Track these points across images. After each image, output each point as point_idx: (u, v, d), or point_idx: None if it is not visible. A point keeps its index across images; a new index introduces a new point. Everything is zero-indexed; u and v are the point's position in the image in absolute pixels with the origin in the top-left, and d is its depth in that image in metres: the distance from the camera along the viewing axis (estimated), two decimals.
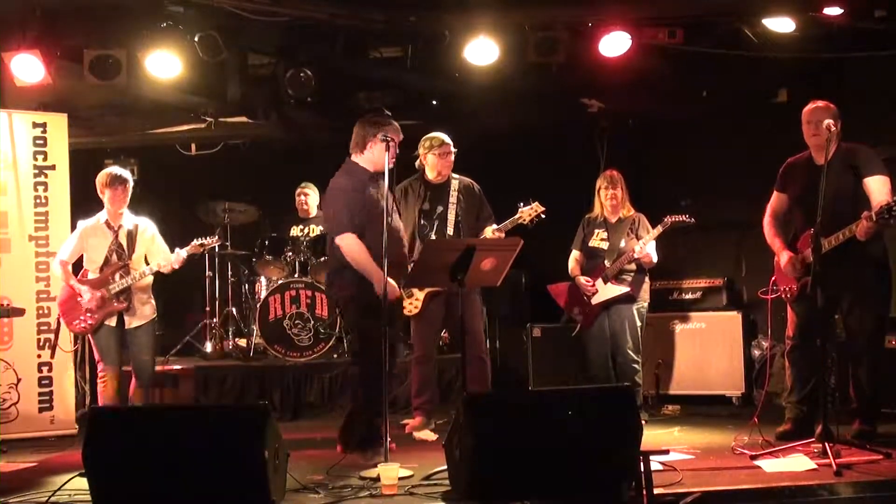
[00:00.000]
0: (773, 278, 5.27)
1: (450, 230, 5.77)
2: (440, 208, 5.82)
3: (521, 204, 5.76)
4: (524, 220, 5.73)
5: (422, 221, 5.83)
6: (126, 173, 5.79)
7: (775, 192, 5.38)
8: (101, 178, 5.73)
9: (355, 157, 5.06)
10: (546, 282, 6.60)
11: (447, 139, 5.81)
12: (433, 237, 5.74)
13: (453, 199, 5.80)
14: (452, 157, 5.80)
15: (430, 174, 5.84)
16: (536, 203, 5.74)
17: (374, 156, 4.96)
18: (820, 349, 4.81)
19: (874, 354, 5.11)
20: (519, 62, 6.55)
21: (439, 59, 6.76)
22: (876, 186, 4.89)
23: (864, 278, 4.94)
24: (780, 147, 6.26)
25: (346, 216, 4.90)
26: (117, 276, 5.66)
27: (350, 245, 4.87)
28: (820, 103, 5.11)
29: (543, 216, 5.73)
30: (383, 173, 4.81)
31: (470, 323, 5.52)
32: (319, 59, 6.87)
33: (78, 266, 5.85)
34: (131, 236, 5.75)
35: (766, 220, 5.37)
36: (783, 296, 5.23)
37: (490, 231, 5.72)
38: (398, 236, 5.08)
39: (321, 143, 8.04)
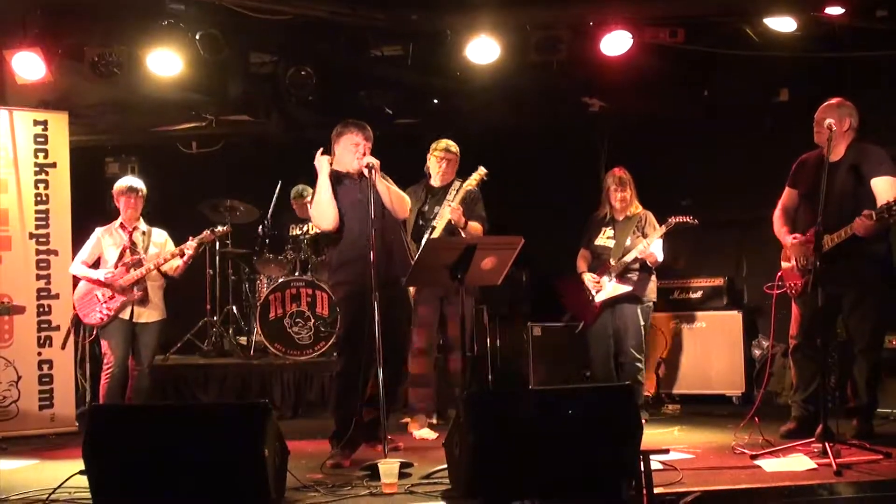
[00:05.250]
0: (780, 273, 5.24)
1: (439, 229, 5.84)
2: (437, 209, 5.89)
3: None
4: (471, 186, 5.82)
5: (420, 222, 5.92)
6: (139, 183, 5.96)
7: (787, 188, 5.34)
8: (116, 186, 5.93)
9: None
10: (547, 281, 6.60)
11: (450, 146, 5.95)
12: (426, 237, 5.79)
13: (449, 197, 5.86)
14: (448, 164, 5.91)
15: (433, 177, 5.96)
16: (481, 167, 5.84)
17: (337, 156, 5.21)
18: (821, 349, 4.81)
19: (872, 357, 5.10)
20: (520, 61, 6.54)
21: (440, 58, 6.75)
22: (882, 187, 4.86)
23: (866, 278, 4.93)
24: (780, 146, 6.26)
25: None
26: (131, 270, 5.78)
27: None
28: (833, 101, 5.08)
29: (486, 178, 5.82)
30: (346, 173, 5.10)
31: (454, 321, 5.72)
32: (320, 57, 6.87)
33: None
34: (145, 236, 5.94)
35: (776, 214, 5.33)
36: (788, 291, 5.20)
37: (446, 208, 5.79)
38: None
39: (322, 141, 8.00)
